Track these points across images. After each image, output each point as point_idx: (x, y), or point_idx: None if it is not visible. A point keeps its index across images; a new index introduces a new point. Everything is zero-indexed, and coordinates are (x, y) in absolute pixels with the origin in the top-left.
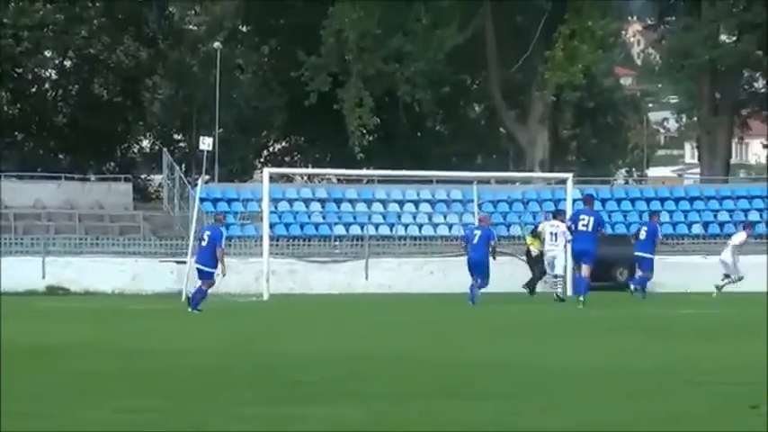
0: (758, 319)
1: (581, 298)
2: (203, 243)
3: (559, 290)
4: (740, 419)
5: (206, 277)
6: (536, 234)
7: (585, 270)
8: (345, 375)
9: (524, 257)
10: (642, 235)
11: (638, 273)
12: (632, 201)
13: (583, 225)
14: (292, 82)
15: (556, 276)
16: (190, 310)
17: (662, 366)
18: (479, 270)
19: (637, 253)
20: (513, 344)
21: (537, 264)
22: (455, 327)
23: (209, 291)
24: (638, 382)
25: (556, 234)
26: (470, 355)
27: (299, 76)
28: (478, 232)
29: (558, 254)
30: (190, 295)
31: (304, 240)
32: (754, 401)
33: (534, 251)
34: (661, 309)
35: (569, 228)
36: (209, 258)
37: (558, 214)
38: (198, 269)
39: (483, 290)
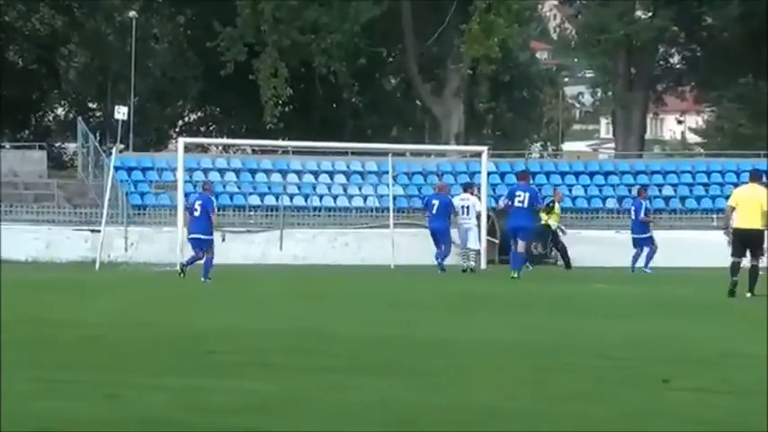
0: (670, 296)
1: (514, 275)
2: (196, 213)
3: (472, 263)
4: (653, 394)
5: (207, 245)
6: None
7: (521, 245)
8: (257, 348)
9: None
10: (633, 215)
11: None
12: (547, 175)
13: (519, 201)
14: (208, 52)
15: (468, 249)
16: (203, 279)
17: (573, 342)
18: (441, 238)
19: (633, 236)
20: (422, 318)
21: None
22: (366, 300)
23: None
24: (547, 357)
25: (467, 207)
26: (380, 330)
27: (214, 46)
28: (437, 201)
29: (471, 227)
30: (185, 262)
31: (218, 210)
32: (665, 376)
33: None
34: (574, 284)
35: (506, 204)
36: (207, 226)
37: (468, 188)
38: (197, 239)
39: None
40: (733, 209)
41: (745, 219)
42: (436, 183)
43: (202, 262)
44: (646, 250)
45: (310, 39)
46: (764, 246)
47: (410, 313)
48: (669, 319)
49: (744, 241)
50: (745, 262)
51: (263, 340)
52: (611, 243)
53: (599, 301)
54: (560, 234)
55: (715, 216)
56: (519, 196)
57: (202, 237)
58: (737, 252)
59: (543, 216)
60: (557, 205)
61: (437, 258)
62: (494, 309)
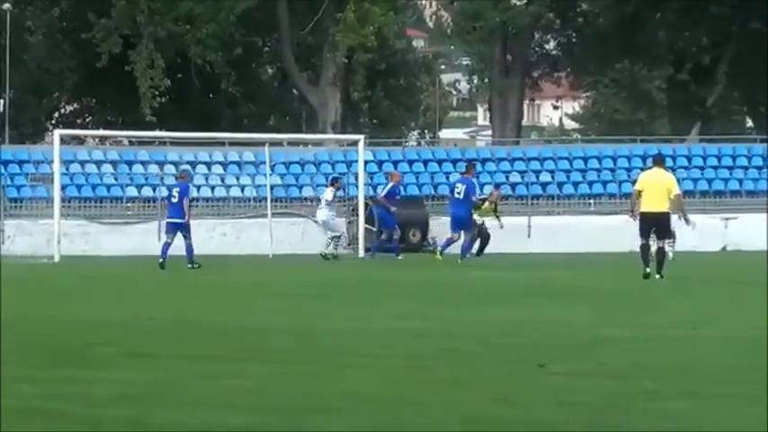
0: (547, 282)
1: (460, 259)
2: (174, 200)
3: (329, 249)
4: (529, 379)
5: (185, 229)
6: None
7: (464, 235)
8: (134, 338)
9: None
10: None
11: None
12: (424, 163)
13: (457, 193)
14: (83, 44)
15: (331, 238)
16: (189, 266)
17: (451, 328)
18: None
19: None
20: (299, 308)
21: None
22: (243, 290)
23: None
24: (425, 344)
25: (323, 200)
26: (256, 319)
27: (90, 37)
28: (462, 186)
29: (325, 217)
30: (161, 254)
31: (96, 202)
32: (541, 361)
33: None
34: (454, 271)
35: (450, 195)
36: (183, 212)
37: (334, 181)
38: (174, 223)
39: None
40: (639, 193)
41: (652, 202)
42: (391, 172)
43: (176, 250)
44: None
45: (186, 29)
46: (671, 229)
47: (288, 302)
48: (546, 304)
49: (650, 224)
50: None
51: (140, 331)
52: (489, 229)
53: (478, 288)
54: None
55: (592, 201)
56: (457, 188)
57: (179, 221)
58: (644, 234)
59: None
60: (486, 204)
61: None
62: (372, 297)
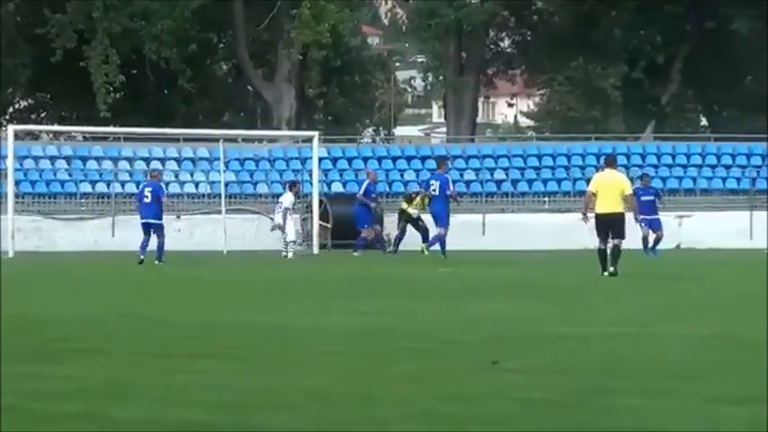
0: (502, 279)
1: (426, 252)
2: (146, 200)
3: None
4: (484, 376)
5: (158, 229)
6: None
7: (440, 230)
8: (89, 334)
9: None
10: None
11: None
12: (379, 160)
13: (433, 190)
14: (38, 39)
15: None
16: (144, 258)
17: (407, 326)
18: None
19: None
20: (254, 304)
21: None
22: (196, 286)
23: None
24: (380, 341)
25: (282, 205)
26: (211, 316)
27: (44, 33)
28: (437, 182)
29: (281, 221)
30: (140, 252)
31: (50, 198)
32: (496, 358)
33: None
34: (407, 268)
35: (427, 193)
36: (158, 211)
37: (293, 186)
38: (148, 223)
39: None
40: (593, 195)
41: (607, 203)
42: (365, 169)
43: (155, 246)
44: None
45: (141, 25)
46: (625, 228)
47: (243, 299)
48: (500, 301)
49: (606, 225)
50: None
51: (94, 327)
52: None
53: (432, 285)
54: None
55: (547, 199)
56: (432, 185)
57: (153, 221)
58: (602, 237)
59: (404, 204)
60: (418, 198)
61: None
62: (329, 293)
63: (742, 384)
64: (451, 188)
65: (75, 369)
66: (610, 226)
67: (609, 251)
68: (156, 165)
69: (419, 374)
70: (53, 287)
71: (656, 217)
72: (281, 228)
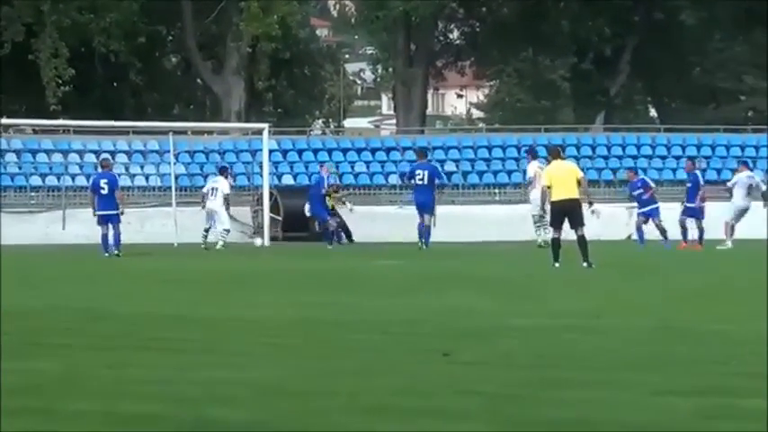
0: (450, 271)
1: (422, 245)
2: (103, 191)
3: (220, 242)
4: (433, 368)
5: (117, 220)
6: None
7: (427, 219)
8: (32, 328)
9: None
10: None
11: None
12: (329, 151)
13: (419, 179)
14: None
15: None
16: (110, 253)
17: (355, 318)
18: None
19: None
20: (203, 297)
21: None
22: (145, 279)
23: None
24: (329, 333)
25: (215, 189)
26: (159, 308)
27: None
28: (423, 171)
29: (217, 209)
30: (104, 248)
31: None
32: (445, 350)
33: None
34: (358, 260)
35: (408, 182)
36: (114, 203)
37: (222, 170)
38: (106, 215)
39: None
40: (549, 187)
41: (562, 191)
42: (324, 164)
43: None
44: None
45: (90, 18)
46: (583, 215)
47: (192, 291)
48: (450, 293)
49: (563, 213)
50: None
51: (39, 320)
52: (394, 218)
53: (382, 277)
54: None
55: (497, 191)
56: (419, 174)
57: (111, 212)
58: (556, 224)
59: (328, 198)
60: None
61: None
62: (278, 286)
63: (688, 375)
64: (443, 177)
65: (25, 363)
66: (567, 214)
67: (577, 243)
68: (105, 156)
69: (367, 367)
70: (4, 281)
71: (655, 206)
72: (212, 216)
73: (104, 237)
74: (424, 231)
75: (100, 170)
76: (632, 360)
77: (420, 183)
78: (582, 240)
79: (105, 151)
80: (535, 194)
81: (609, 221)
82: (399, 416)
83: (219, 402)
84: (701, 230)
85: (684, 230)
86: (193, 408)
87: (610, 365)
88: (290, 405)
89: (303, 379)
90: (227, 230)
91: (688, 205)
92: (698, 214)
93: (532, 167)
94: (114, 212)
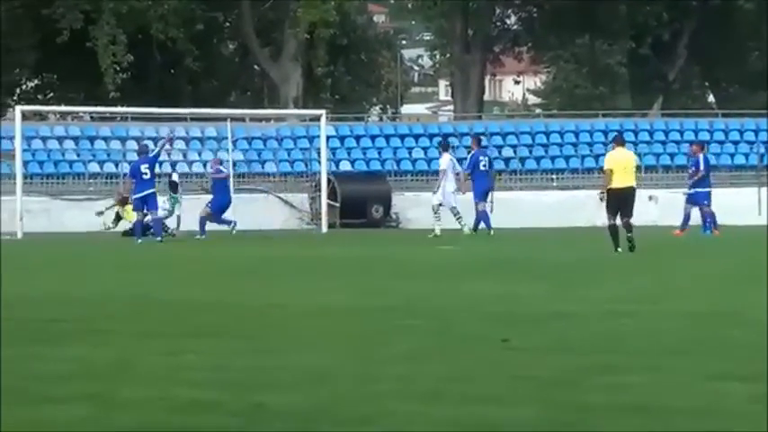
0: (508, 257)
1: (490, 232)
2: (146, 176)
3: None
4: (487, 354)
5: (155, 205)
6: None
7: (483, 206)
8: (95, 315)
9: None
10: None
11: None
12: (386, 138)
13: (483, 165)
14: (44, 20)
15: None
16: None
17: (409, 304)
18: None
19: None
20: (255, 283)
21: None
22: (199, 266)
23: None
24: (382, 319)
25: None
26: (213, 296)
27: (50, 13)
28: (485, 158)
29: None
30: (137, 234)
31: (58, 178)
32: (499, 335)
33: None
34: (415, 247)
35: (470, 171)
36: (155, 185)
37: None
38: (147, 195)
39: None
40: (609, 172)
41: (622, 178)
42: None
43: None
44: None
45: (147, 5)
46: (634, 205)
47: (247, 278)
48: (506, 278)
49: (620, 199)
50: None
51: (98, 308)
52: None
53: (438, 263)
54: None
55: (555, 177)
56: (482, 161)
57: (153, 191)
58: (612, 212)
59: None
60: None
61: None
62: (333, 273)
63: (744, 361)
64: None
65: (78, 350)
66: (622, 201)
67: (623, 225)
68: (145, 142)
69: (420, 353)
70: (59, 268)
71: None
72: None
73: (139, 223)
74: (487, 217)
75: (139, 157)
76: (686, 345)
77: (483, 169)
78: (628, 226)
79: (163, 138)
80: (444, 186)
81: (667, 207)
82: (453, 401)
83: (274, 389)
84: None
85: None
86: (248, 394)
87: (663, 350)
88: (343, 391)
89: (357, 364)
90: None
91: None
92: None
93: (446, 159)
94: (152, 191)
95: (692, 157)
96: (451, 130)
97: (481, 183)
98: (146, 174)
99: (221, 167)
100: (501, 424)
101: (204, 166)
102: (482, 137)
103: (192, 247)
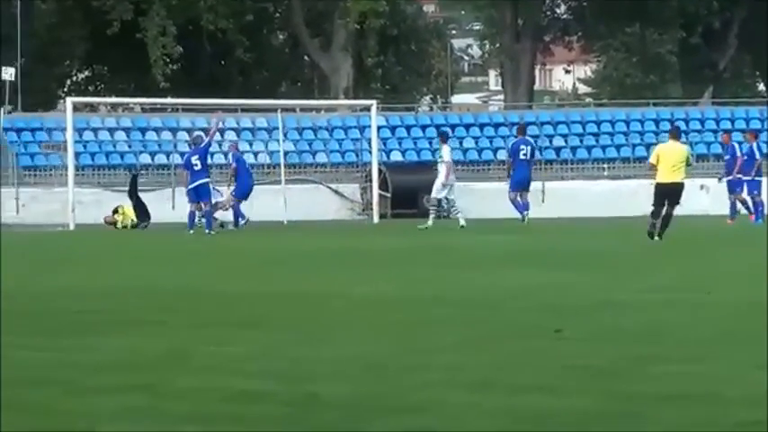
0: (558, 246)
1: (526, 219)
2: (197, 167)
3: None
4: (536, 342)
5: (208, 196)
6: None
7: (525, 195)
8: (143, 306)
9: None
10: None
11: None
12: (437, 127)
13: (523, 155)
14: (94, 11)
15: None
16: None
17: (458, 293)
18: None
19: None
20: (304, 273)
21: None
22: (251, 256)
23: None
24: (429, 309)
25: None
26: (260, 286)
27: (101, 5)
28: (527, 147)
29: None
30: (189, 225)
31: (110, 170)
32: (549, 324)
33: None
34: (463, 236)
35: (510, 159)
36: (208, 175)
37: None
38: (201, 186)
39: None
40: (654, 166)
41: (670, 173)
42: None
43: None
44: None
45: None
46: (681, 198)
47: (296, 268)
48: (557, 268)
49: (667, 194)
50: None
51: (150, 298)
52: (502, 194)
53: (488, 253)
54: None
55: (606, 166)
56: (523, 150)
57: (207, 180)
58: (658, 205)
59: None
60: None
61: (523, 210)
62: (383, 262)
63: None
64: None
65: (131, 340)
66: (669, 195)
67: (662, 216)
68: (198, 134)
69: (470, 343)
70: (111, 259)
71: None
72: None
73: (192, 214)
74: (526, 206)
75: (191, 148)
76: (736, 334)
77: (524, 158)
78: (667, 217)
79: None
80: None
81: (718, 196)
82: (504, 391)
83: (325, 378)
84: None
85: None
86: (300, 384)
87: (713, 339)
88: (394, 381)
89: (407, 354)
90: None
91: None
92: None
93: (448, 151)
94: (202, 182)
95: (726, 146)
96: (502, 120)
97: (519, 172)
98: (196, 165)
99: (238, 153)
100: (552, 414)
101: (255, 156)
102: (531, 126)
103: (241, 237)
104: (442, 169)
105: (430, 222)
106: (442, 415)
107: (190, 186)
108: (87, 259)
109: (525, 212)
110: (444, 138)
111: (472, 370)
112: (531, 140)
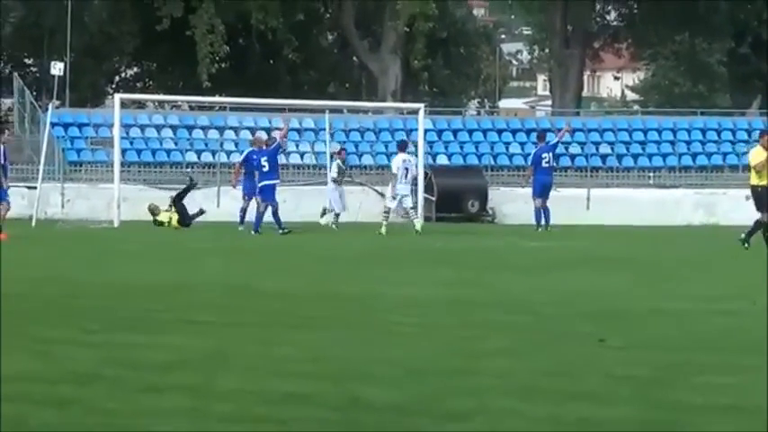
0: (602, 253)
1: (543, 228)
2: (265, 168)
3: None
4: (581, 350)
5: (271, 197)
6: None
7: (542, 201)
8: (190, 304)
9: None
10: None
11: None
12: (484, 132)
13: (546, 162)
14: (144, 7)
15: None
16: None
17: (502, 298)
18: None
19: None
20: (352, 274)
21: None
22: (296, 256)
23: None
24: (474, 313)
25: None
26: (308, 286)
27: (151, 1)
28: (548, 154)
29: (330, 194)
30: (256, 227)
31: (156, 167)
32: (592, 332)
33: None
34: (508, 241)
35: (534, 167)
36: (277, 176)
37: (341, 151)
38: (269, 186)
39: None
40: (756, 168)
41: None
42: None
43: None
44: None
45: None
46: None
47: (341, 269)
48: (600, 275)
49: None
50: None
51: (194, 297)
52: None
53: (532, 259)
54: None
55: (652, 174)
56: (545, 158)
57: (275, 181)
58: (763, 209)
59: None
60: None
61: (542, 218)
62: (426, 265)
63: None
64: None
65: (175, 339)
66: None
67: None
68: (260, 135)
69: (516, 348)
70: (156, 256)
71: None
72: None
73: (259, 216)
74: (545, 213)
75: (259, 147)
76: None
77: (546, 165)
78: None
79: (261, 128)
80: (398, 187)
81: None
82: (549, 398)
83: (371, 382)
84: None
85: None
86: (345, 387)
87: (756, 350)
88: (440, 385)
89: (452, 359)
90: (338, 214)
91: None
92: None
93: (398, 160)
94: (269, 183)
95: None
96: (549, 125)
97: (541, 179)
98: (265, 166)
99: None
100: (597, 422)
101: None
102: (578, 132)
103: (287, 237)
104: (399, 180)
105: (383, 230)
106: (486, 421)
107: (259, 185)
108: (135, 256)
109: (548, 223)
110: (401, 146)
111: (516, 376)
112: (552, 146)
